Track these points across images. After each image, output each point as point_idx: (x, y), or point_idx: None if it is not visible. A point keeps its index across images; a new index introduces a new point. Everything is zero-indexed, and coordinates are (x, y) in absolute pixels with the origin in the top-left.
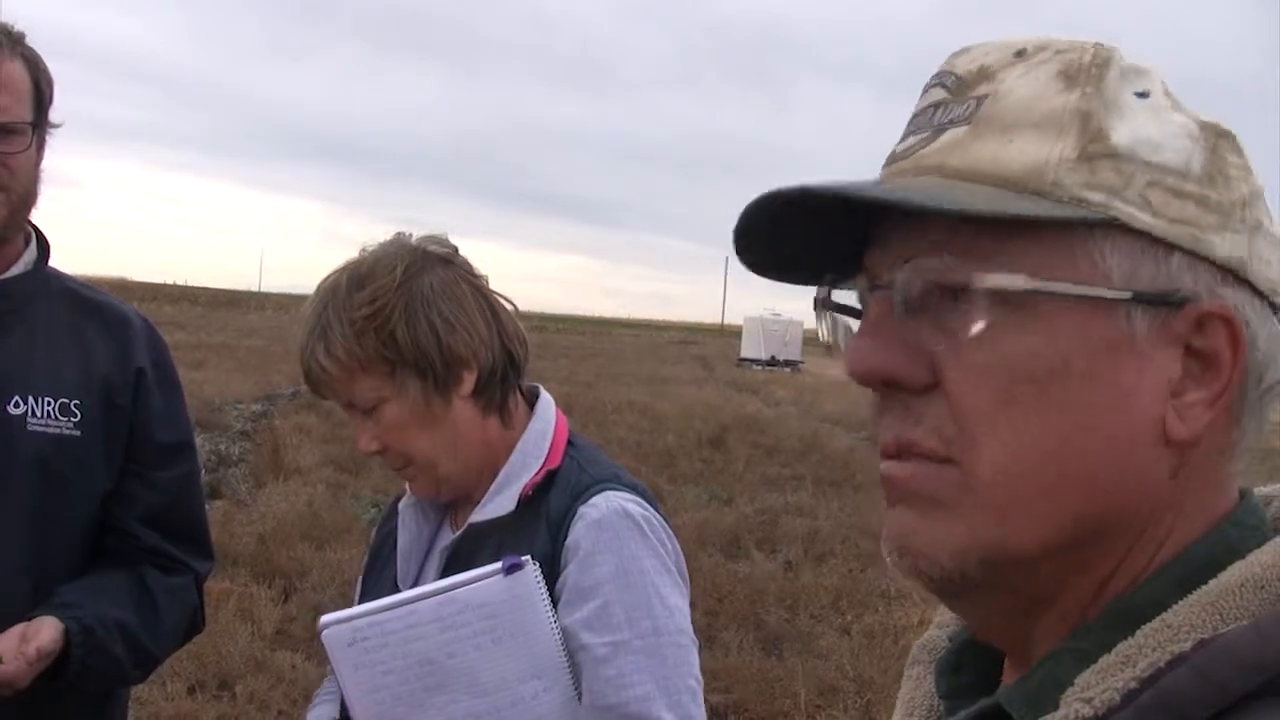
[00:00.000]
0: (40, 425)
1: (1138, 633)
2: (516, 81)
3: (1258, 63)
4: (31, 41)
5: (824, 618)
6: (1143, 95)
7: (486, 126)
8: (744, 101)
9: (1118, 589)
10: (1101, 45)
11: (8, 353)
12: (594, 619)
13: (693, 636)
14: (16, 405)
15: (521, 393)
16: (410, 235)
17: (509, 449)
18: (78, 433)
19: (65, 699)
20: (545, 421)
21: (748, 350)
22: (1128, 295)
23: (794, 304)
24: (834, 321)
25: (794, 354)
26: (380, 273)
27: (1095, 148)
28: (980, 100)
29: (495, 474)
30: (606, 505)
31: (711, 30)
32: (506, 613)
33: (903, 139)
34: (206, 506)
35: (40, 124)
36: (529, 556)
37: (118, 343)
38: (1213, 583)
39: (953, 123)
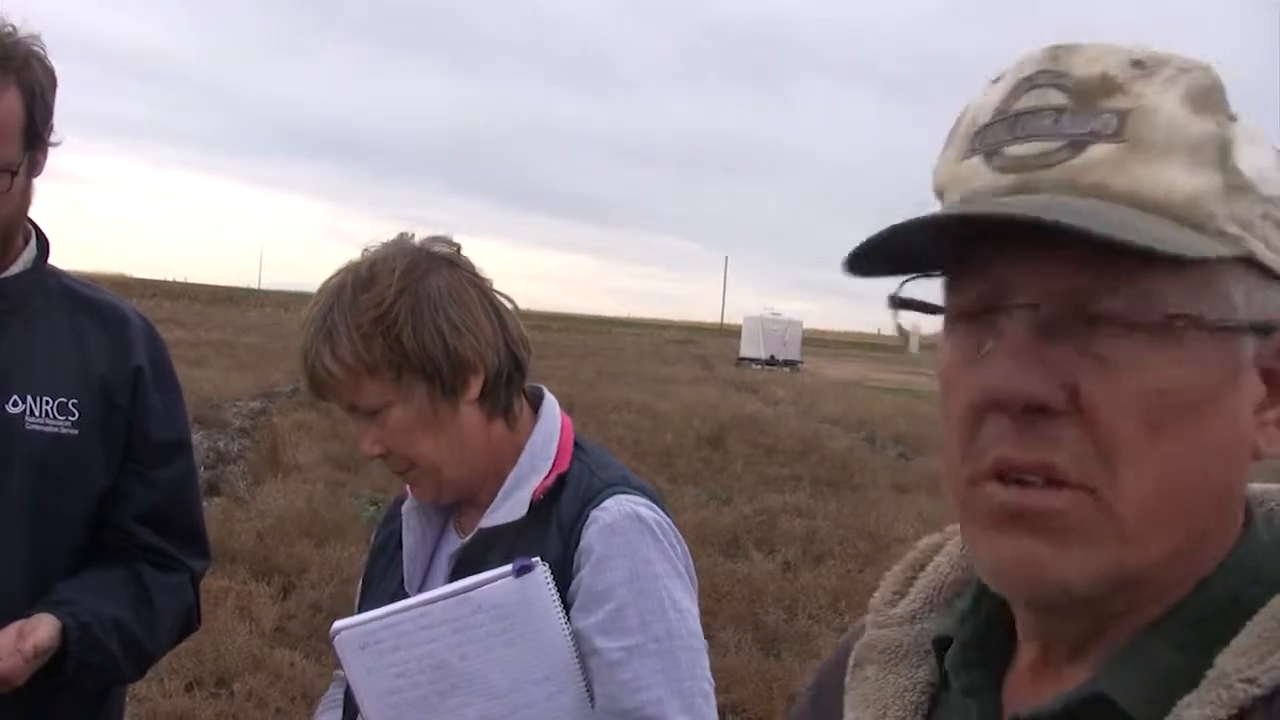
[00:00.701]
0: (38, 424)
1: (1263, 613)
2: (518, 79)
3: (1258, 60)
4: (36, 40)
5: (822, 618)
6: (1233, 119)
7: (487, 124)
8: (745, 101)
9: (1188, 589)
10: (1209, 66)
11: (6, 351)
12: (608, 623)
13: (703, 639)
14: (15, 404)
15: (525, 395)
16: (413, 236)
17: (515, 452)
18: (76, 432)
19: (62, 696)
20: (552, 423)
21: (747, 350)
22: (1247, 325)
23: (793, 303)
24: (906, 319)
25: (793, 353)
26: (385, 275)
27: (1234, 180)
28: (1123, 115)
29: (501, 477)
30: (618, 509)
31: (712, 29)
32: (518, 614)
33: (1013, 138)
34: (205, 504)
35: (31, 153)
36: (539, 558)
37: (116, 341)
38: None
39: (1098, 136)
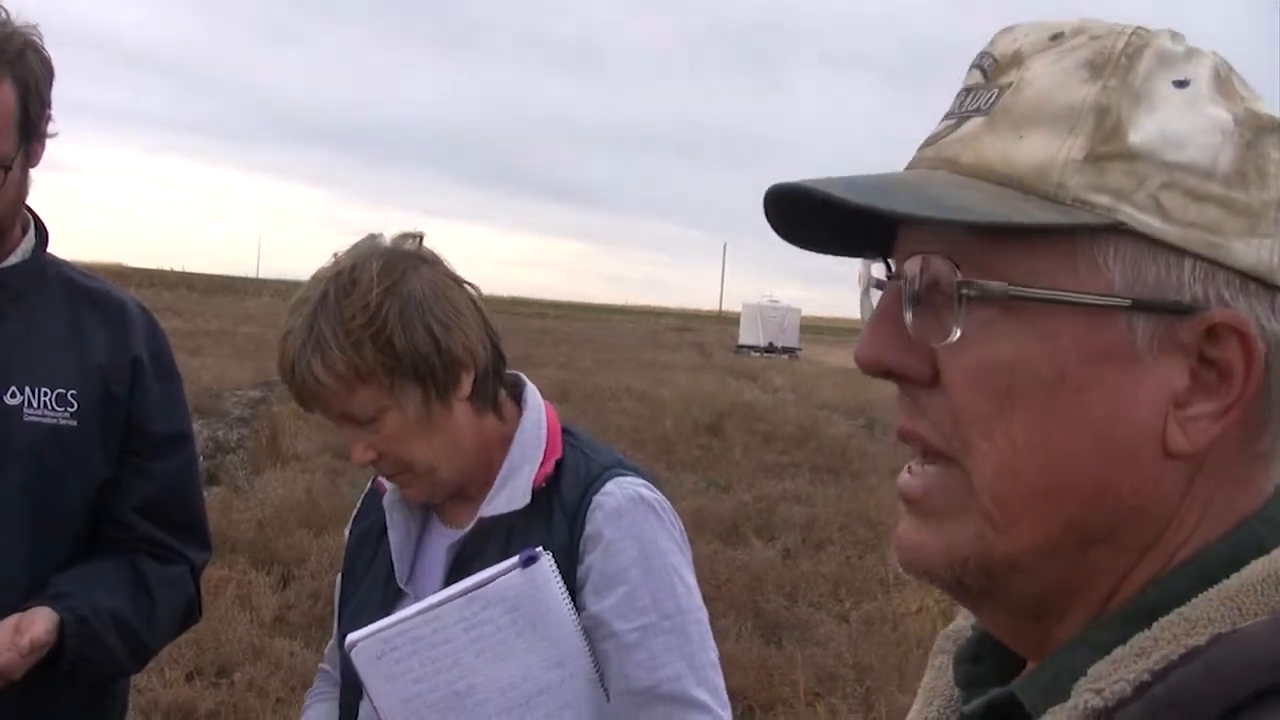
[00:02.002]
0: (37, 415)
1: (1154, 625)
2: (516, 66)
3: (1256, 55)
4: (32, 29)
5: (822, 605)
6: (1181, 84)
7: (485, 111)
8: (744, 87)
9: (1132, 592)
10: (1142, 30)
11: (5, 342)
12: (622, 605)
13: (705, 610)
14: (13, 395)
15: (505, 385)
16: (382, 235)
17: (504, 442)
18: (74, 423)
19: (62, 688)
20: (538, 411)
21: (746, 337)
22: (1127, 303)
23: (792, 291)
24: (871, 301)
25: (791, 341)
26: (366, 279)
27: (1107, 147)
28: (1003, 89)
29: (491, 469)
30: (621, 493)
31: (711, 14)
32: (526, 604)
33: (940, 121)
34: (205, 494)
35: (26, 146)
36: (542, 547)
37: (115, 332)
38: (1234, 577)
39: (977, 111)
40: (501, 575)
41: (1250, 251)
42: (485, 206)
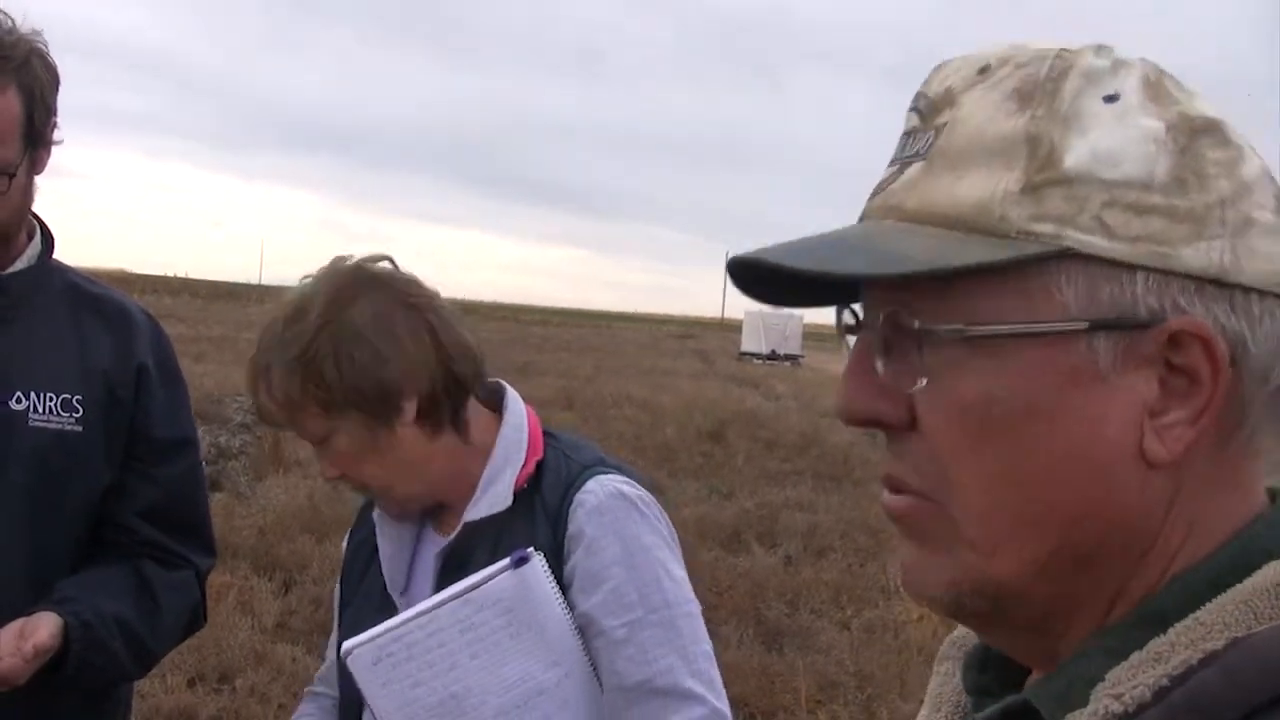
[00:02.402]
0: (41, 421)
1: (1169, 630)
2: (516, 72)
3: (1253, 53)
4: (38, 36)
5: (824, 612)
6: (1111, 99)
7: (486, 117)
8: (744, 92)
9: (1131, 602)
10: (1065, 52)
11: (10, 348)
12: (608, 602)
13: (697, 604)
14: (18, 400)
15: (480, 399)
16: (349, 258)
17: (480, 453)
18: (79, 428)
19: (65, 694)
20: (519, 416)
21: (748, 344)
22: (1084, 325)
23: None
24: (849, 345)
25: (794, 348)
26: (308, 311)
27: (1043, 176)
28: (939, 130)
29: (469, 480)
30: (602, 490)
31: (710, 19)
32: (520, 606)
33: (886, 168)
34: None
35: (31, 153)
36: (532, 547)
37: (120, 338)
38: (1246, 582)
39: (916, 156)
40: (494, 577)
41: (1199, 255)
42: (487, 212)
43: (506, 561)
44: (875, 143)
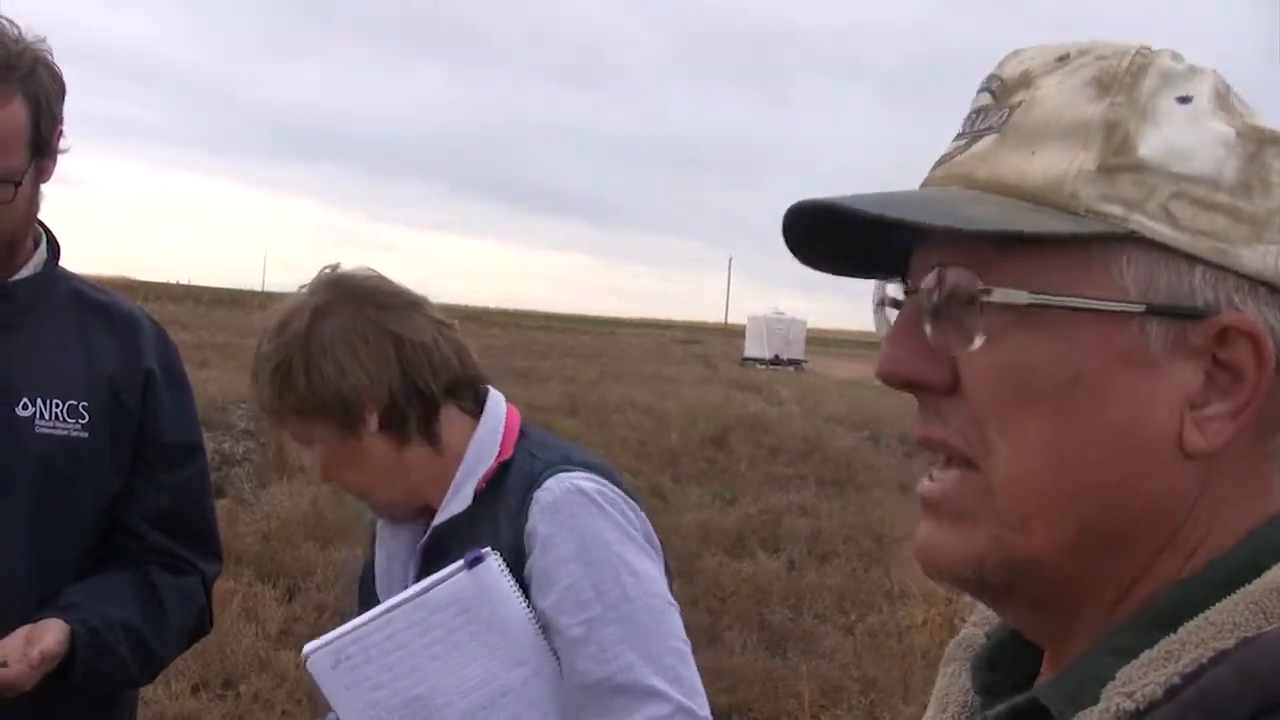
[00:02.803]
0: (48, 427)
1: (1180, 629)
2: (518, 78)
3: (1255, 57)
4: (43, 45)
5: (828, 617)
6: (1184, 100)
7: (488, 124)
8: (746, 99)
9: (1148, 591)
10: (1145, 50)
11: (16, 354)
12: (563, 601)
13: (669, 599)
14: (25, 407)
15: (463, 407)
16: (336, 268)
17: (455, 459)
18: (85, 434)
19: (71, 700)
20: (495, 418)
21: (751, 349)
22: (1141, 308)
23: (797, 303)
24: (886, 317)
25: (797, 353)
26: (289, 322)
27: (1118, 160)
28: (1014, 108)
29: (446, 485)
30: (558, 487)
31: (712, 27)
32: (478, 606)
33: (951, 142)
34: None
35: (37, 160)
36: (489, 548)
37: (126, 344)
38: (1256, 582)
39: (988, 130)
40: (448, 579)
41: (1257, 258)
42: (490, 219)
43: (460, 563)
44: (877, 149)
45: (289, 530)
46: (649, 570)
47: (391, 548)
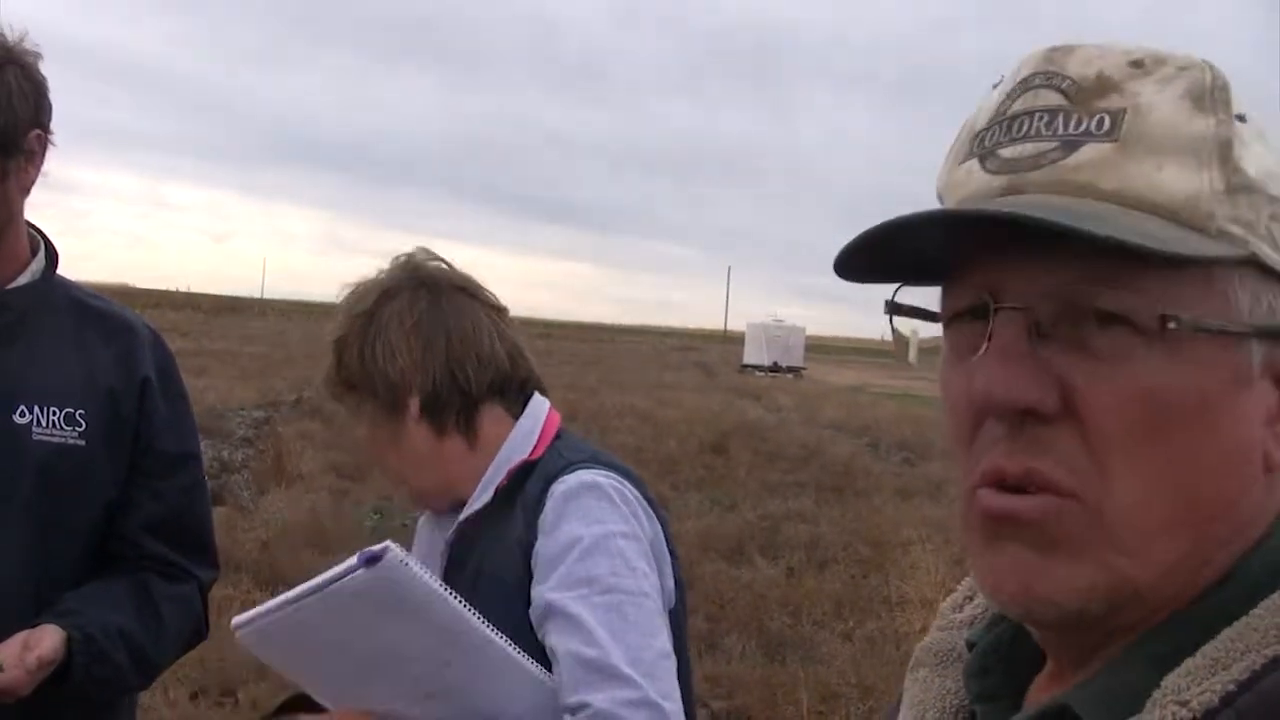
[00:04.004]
0: (45, 434)
1: (1220, 636)
2: (517, 87)
3: (1255, 59)
4: (30, 45)
5: (826, 624)
6: (1242, 119)
7: (487, 131)
8: (746, 107)
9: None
10: (1211, 64)
11: (13, 362)
12: (558, 581)
13: (659, 605)
14: (22, 414)
15: (507, 407)
16: (414, 254)
17: (488, 458)
18: (82, 442)
19: (67, 706)
20: (534, 420)
21: (750, 356)
22: (1251, 329)
23: (796, 310)
24: (904, 325)
25: (796, 360)
26: (358, 302)
27: (1236, 180)
28: (1118, 115)
29: (477, 481)
30: (576, 480)
31: (712, 35)
32: (388, 599)
33: (1009, 140)
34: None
35: (5, 160)
36: (390, 543)
37: (123, 352)
38: None
39: (1090, 136)
40: (344, 576)
41: None
42: (489, 227)
43: (354, 561)
44: (876, 157)
45: (288, 538)
46: (645, 571)
47: (428, 542)
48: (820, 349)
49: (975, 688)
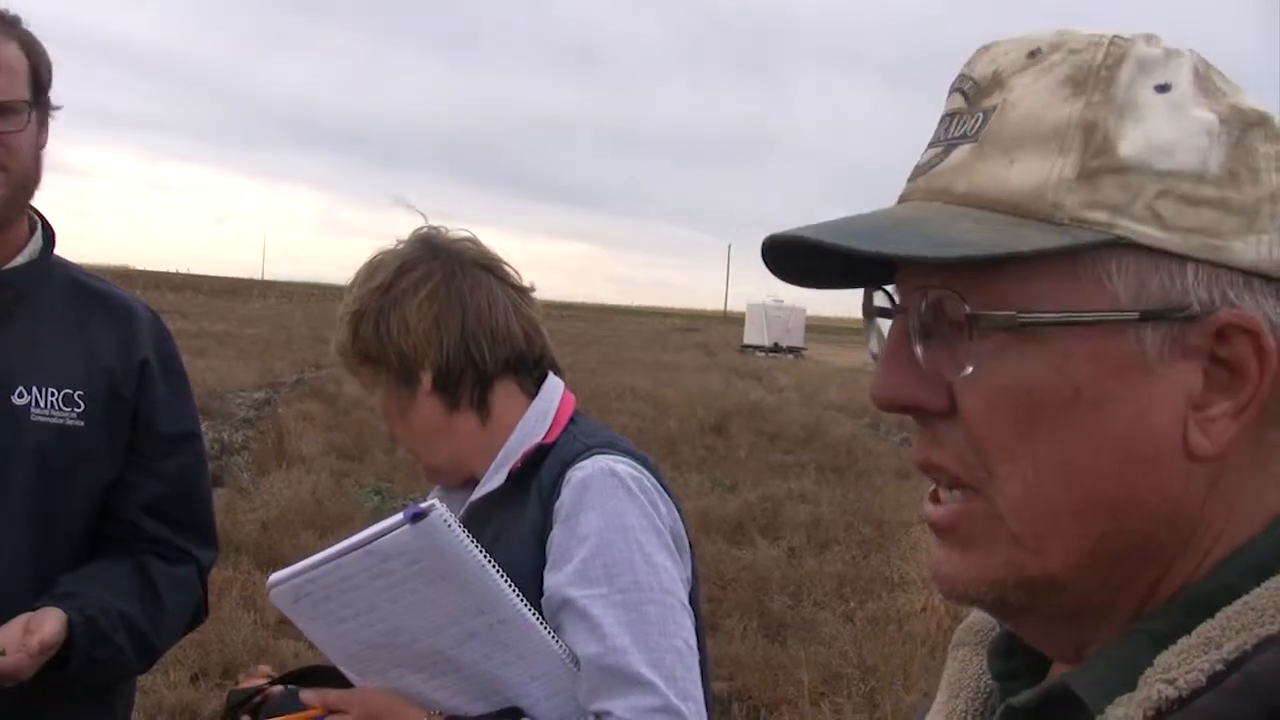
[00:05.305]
0: (44, 415)
1: (1218, 615)
2: (516, 67)
3: (1258, 51)
4: (28, 24)
5: (827, 604)
6: (1163, 89)
7: (486, 112)
8: (744, 88)
9: (1170, 591)
10: (1119, 39)
11: (12, 343)
12: (575, 575)
13: (683, 600)
14: (20, 395)
15: (523, 386)
16: (438, 228)
17: (500, 436)
18: (81, 423)
19: (67, 688)
20: (548, 402)
21: (751, 337)
22: (1135, 315)
23: (797, 291)
24: (880, 329)
25: (797, 340)
26: (375, 273)
27: (1098, 163)
28: (988, 113)
29: (491, 460)
30: (593, 466)
31: (711, 16)
32: (427, 558)
33: (925, 149)
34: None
35: (39, 104)
36: (435, 502)
37: (122, 333)
38: None
39: (963, 138)
40: (390, 532)
41: (1250, 249)
42: (490, 208)
43: (400, 516)
44: (875, 138)
45: (288, 519)
46: (666, 565)
47: None
48: (821, 329)
49: (997, 666)
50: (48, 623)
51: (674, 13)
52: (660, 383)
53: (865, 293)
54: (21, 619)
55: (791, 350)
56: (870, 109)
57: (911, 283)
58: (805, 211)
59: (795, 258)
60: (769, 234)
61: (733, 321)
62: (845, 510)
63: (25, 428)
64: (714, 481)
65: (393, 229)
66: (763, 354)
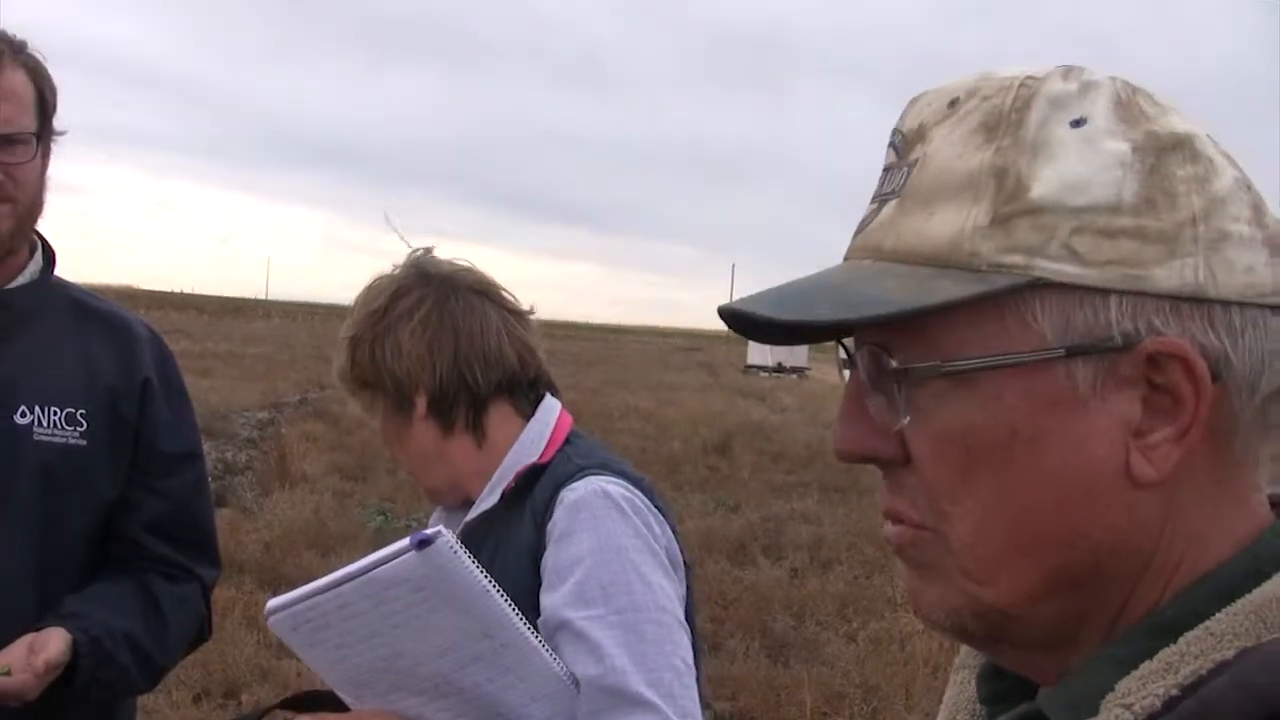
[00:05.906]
0: (46, 435)
1: (1180, 640)
2: (519, 86)
3: (1260, 57)
4: (34, 49)
5: (830, 625)
6: (1078, 124)
7: (488, 131)
8: (746, 105)
9: (1136, 616)
10: (1030, 79)
11: (13, 362)
12: (571, 597)
13: (680, 619)
14: (23, 415)
15: (518, 407)
16: (430, 250)
17: (496, 458)
18: (84, 442)
19: (72, 709)
20: (544, 423)
21: (754, 357)
22: (1061, 352)
23: None
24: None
25: (800, 360)
26: (372, 299)
27: (1010, 208)
28: (912, 167)
29: (487, 482)
30: (585, 487)
31: (711, 32)
32: (432, 584)
33: (869, 205)
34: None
35: (45, 133)
36: (440, 528)
37: (123, 353)
38: (1256, 591)
39: (892, 194)
40: (394, 558)
41: (1172, 275)
42: (493, 228)
43: (405, 543)
44: (878, 154)
45: (291, 539)
46: (662, 583)
47: None
48: (824, 350)
49: (986, 690)
50: (52, 642)
51: (675, 28)
52: (663, 403)
53: (837, 346)
54: (26, 639)
55: (795, 370)
56: (873, 124)
57: (858, 338)
58: (807, 228)
59: (757, 323)
60: (720, 307)
61: (736, 341)
62: (848, 530)
63: (28, 447)
64: (717, 501)
65: (396, 249)
66: (766, 374)
